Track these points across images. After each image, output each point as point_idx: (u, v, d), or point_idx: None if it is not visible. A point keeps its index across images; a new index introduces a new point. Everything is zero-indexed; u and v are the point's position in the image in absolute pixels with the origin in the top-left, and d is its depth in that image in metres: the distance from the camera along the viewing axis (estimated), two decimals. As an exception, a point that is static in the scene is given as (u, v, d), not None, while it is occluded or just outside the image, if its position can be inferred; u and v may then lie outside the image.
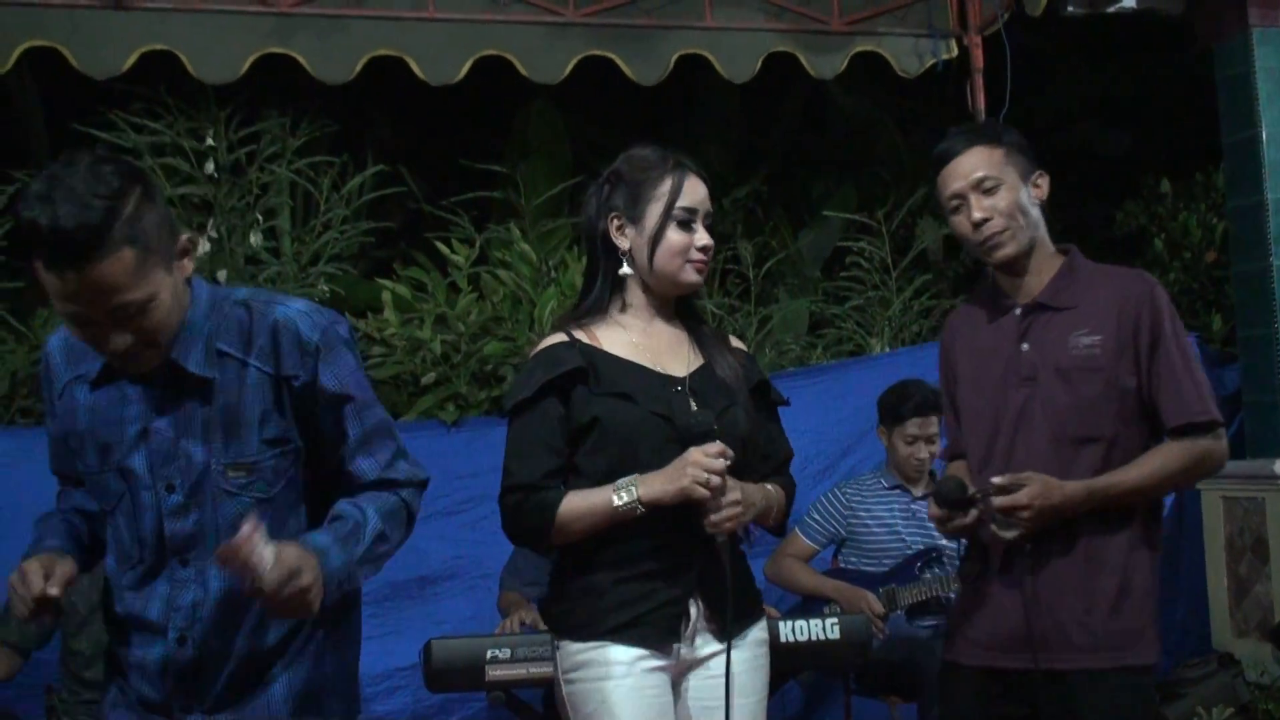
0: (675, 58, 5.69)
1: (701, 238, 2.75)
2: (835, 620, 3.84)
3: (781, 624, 3.92)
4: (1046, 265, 3.02)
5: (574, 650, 2.67)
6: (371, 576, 2.37)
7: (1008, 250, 2.96)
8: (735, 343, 2.93)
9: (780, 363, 6.25)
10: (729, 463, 2.58)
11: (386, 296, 5.58)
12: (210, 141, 5.98)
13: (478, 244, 5.80)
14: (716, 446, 2.57)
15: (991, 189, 2.95)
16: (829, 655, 3.87)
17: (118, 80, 5.24)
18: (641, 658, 2.64)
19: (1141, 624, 2.91)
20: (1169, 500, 3.15)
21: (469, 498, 4.85)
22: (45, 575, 2.25)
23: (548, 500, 2.65)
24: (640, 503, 2.58)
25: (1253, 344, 5.80)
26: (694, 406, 2.71)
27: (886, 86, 7.86)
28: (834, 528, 4.75)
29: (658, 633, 2.66)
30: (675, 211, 2.72)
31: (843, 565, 4.77)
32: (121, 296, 2.13)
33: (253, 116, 6.16)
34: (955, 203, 2.99)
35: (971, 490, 2.90)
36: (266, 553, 2.09)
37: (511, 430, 2.72)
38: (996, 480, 2.83)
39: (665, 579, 2.66)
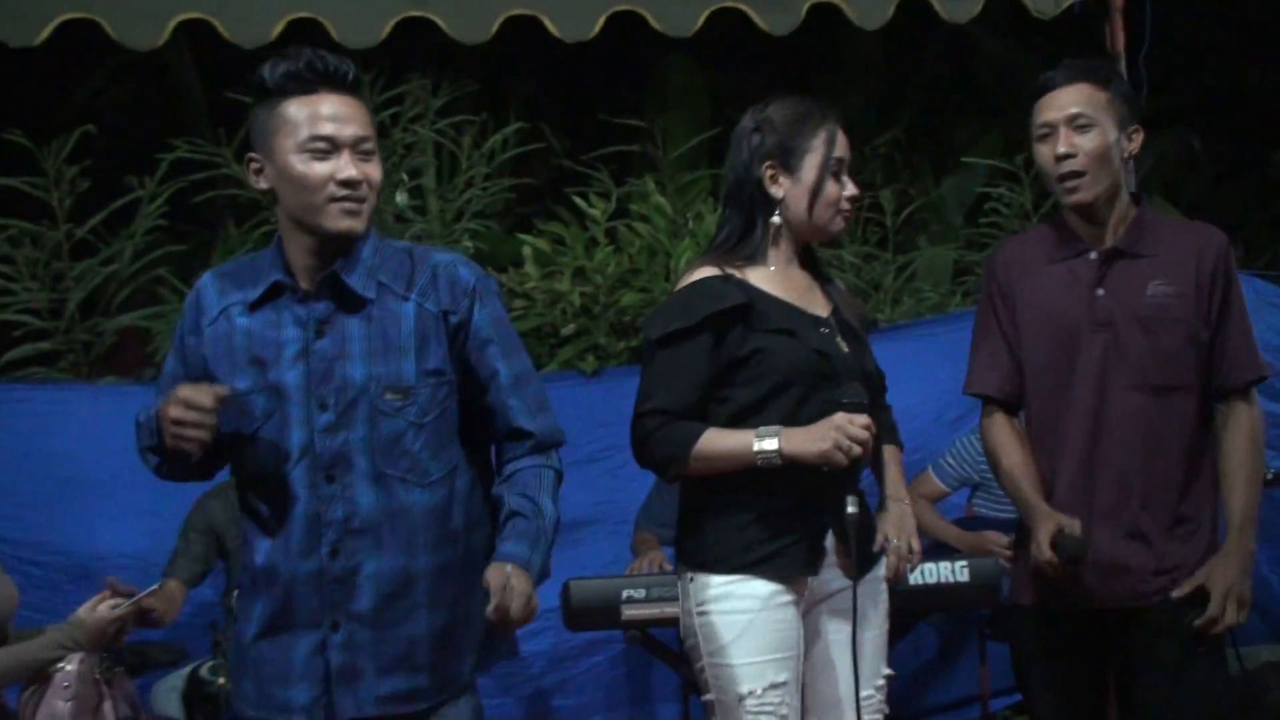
0: (807, 7, 5.65)
1: (851, 188, 2.83)
2: (965, 563, 3.85)
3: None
4: (1124, 214, 2.97)
5: (713, 583, 2.74)
6: None
7: (1082, 195, 2.92)
8: (841, 286, 2.99)
9: (919, 310, 6.22)
10: (871, 433, 2.64)
11: (527, 251, 5.70)
12: (356, 104, 6.11)
13: (614, 197, 5.87)
14: (864, 419, 2.63)
15: (1084, 127, 2.90)
16: (958, 598, 3.88)
17: (266, 49, 5.40)
18: (778, 592, 2.72)
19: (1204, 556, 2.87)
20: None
21: (608, 445, 4.91)
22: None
23: (690, 430, 2.71)
24: (781, 454, 2.64)
25: None
26: (843, 347, 2.78)
27: (1031, 30, 7.69)
28: (966, 472, 4.75)
29: (796, 566, 2.74)
30: (830, 163, 2.78)
31: (977, 511, 4.77)
32: (364, 129, 2.52)
33: (396, 79, 6.30)
34: (1044, 131, 2.94)
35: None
36: (518, 604, 2.38)
37: (659, 355, 2.76)
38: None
39: (802, 515, 2.73)
